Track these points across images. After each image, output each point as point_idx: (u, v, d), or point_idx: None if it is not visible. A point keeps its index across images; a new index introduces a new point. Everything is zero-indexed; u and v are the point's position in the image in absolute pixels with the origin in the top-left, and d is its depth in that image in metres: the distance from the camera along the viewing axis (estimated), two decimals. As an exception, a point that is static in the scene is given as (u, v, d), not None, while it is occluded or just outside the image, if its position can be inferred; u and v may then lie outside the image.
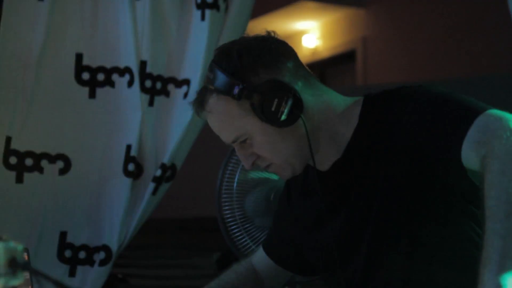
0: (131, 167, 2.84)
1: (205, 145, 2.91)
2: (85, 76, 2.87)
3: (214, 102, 1.54)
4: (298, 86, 1.53)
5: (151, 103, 2.90)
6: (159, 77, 2.91)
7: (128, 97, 2.87)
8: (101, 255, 2.83)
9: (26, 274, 1.50)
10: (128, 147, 2.85)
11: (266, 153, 1.55)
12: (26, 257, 1.63)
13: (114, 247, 2.83)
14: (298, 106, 1.50)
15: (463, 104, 1.40)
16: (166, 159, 2.87)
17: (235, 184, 2.14)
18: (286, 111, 1.49)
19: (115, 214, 2.84)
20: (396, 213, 1.48)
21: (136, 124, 2.85)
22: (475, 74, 5.80)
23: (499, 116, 1.33)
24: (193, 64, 2.88)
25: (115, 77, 2.89)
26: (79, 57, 2.87)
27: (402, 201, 1.47)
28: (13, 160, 2.74)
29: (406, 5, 6.95)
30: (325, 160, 1.59)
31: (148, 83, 2.89)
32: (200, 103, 1.57)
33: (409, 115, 1.45)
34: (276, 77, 1.51)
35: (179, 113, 2.90)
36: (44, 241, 2.81)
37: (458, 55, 6.17)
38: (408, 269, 1.49)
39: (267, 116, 1.49)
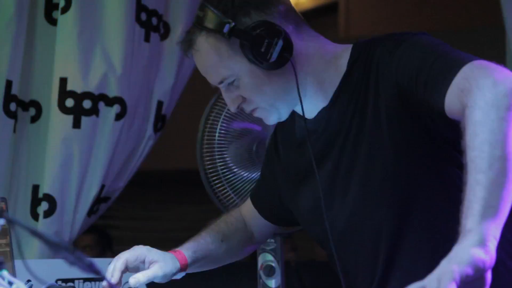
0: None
1: (187, 95, 2.87)
2: None
3: (203, 40, 1.53)
4: (289, 29, 1.52)
5: None
6: None
7: None
8: (44, 205, 2.54)
9: (5, 224, 1.48)
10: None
11: (252, 95, 1.55)
12: (3, 206, 1.61)
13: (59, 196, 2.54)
14: (288, 49, 1.50)
15: (452, 54, 1.39)
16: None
17: (216, 135, 2.13)
18: (275, 53, 1.48)
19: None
20: (382, 163, 1.48)
21: None
22: (463, 27, 5.76)
23: (485, 65, 1.31)
24: None
25: None
26: None
27: (388, 149, 1.47)
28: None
29: (390, -46, 6.87)
30: (312, 107, 1.59)
31: None
32: (188, 41, 1.56)
33: (397, 62, 1.44)
34: (267, 18, 1.50)
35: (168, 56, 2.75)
36: None
37: (446, 6, 6.12)
38: (395, 217, 1.49)
39: (256, 57, 1.49)
